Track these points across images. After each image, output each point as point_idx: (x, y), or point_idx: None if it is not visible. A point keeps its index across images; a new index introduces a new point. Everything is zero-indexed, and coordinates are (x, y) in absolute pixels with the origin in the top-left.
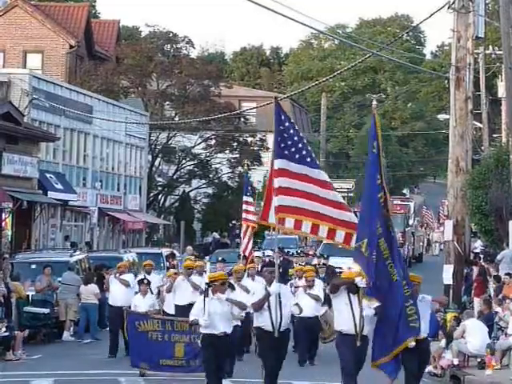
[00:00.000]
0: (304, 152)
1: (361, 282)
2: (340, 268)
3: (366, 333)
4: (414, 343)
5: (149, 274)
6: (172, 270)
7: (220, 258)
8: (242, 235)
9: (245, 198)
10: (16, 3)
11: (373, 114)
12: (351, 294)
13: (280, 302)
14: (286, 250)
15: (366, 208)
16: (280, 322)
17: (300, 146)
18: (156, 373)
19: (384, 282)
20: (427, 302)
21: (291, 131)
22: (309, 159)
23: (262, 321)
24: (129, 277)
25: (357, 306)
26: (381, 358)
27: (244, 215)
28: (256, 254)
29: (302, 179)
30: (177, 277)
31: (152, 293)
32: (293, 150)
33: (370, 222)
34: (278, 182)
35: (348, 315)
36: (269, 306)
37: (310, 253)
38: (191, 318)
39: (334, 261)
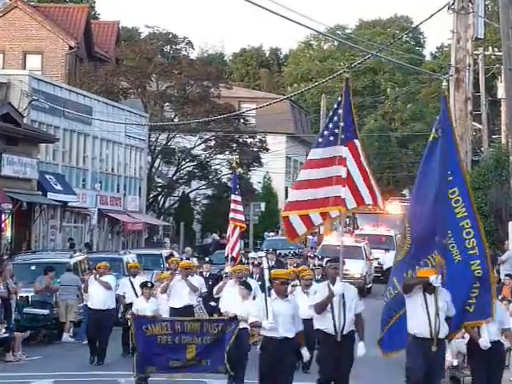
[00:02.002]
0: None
1: (436, 281)
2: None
3: (443, 336)
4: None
5: (134, 276)
6: (166, 273)
7: (207, 259)
8: (229, 235)
9: (233, 197)
10: (16, 4)
11: (443, 96)
12: (427, 295)
13: (344, 303)
14: (278, 252)
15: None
16: (343, 325)
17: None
18: (159, 374)
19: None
20: None
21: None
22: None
23: (323, 323)
24: (109, 278)
25: (433, 308)
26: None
27: (232, 214)
28: (250, 255)
29: (327, 163)
30: (173, 277)
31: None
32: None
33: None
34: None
35: (423, 317)
36: (332, 308)
37: (309, 254)
38: (251, 319)
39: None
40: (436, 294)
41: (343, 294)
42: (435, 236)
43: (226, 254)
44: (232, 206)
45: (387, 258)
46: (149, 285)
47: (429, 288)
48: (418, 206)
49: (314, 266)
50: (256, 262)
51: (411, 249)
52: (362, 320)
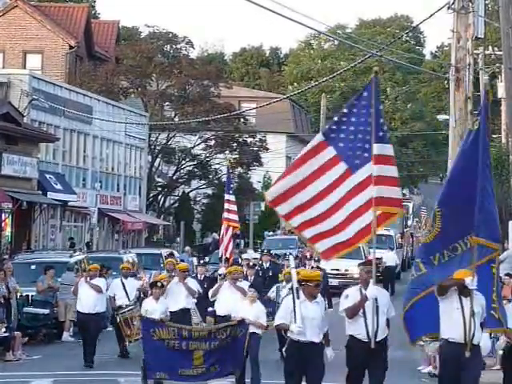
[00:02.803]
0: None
1: (472, 283)
2: (337, 269)
3: (477, 342)
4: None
5: (126, 278)
6: (163, 274)
7: (201, 262)
8: (221, 235)
9: (227, 197)
10: (16, 4)
11: (486, 90)
12: (463, 297)
13: (377, 308)
14: (273, 253)
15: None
16: (376, 331)
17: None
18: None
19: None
20: None
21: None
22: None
23: (355, 329)
24: (100, 281)
25: (468, 311)
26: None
27: (225, 214)
28: (244, 256)
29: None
30: (170, 279)
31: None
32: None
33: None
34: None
35: (458, 321)
36: (364, 313)
37: (307, 255)
38: (278, 321)
39: (326, 263)
40: (471, 298)
41: (376, 299)
42: (469, 221)
43: (220, 255)
44: (225, 205)
45: (389, 258)
46: (158, 284)
47: (464, 291)
48: (453, 192)
49: (312, 267)
50: (251, 264)
51: (440, 233)
52: (389, 325)
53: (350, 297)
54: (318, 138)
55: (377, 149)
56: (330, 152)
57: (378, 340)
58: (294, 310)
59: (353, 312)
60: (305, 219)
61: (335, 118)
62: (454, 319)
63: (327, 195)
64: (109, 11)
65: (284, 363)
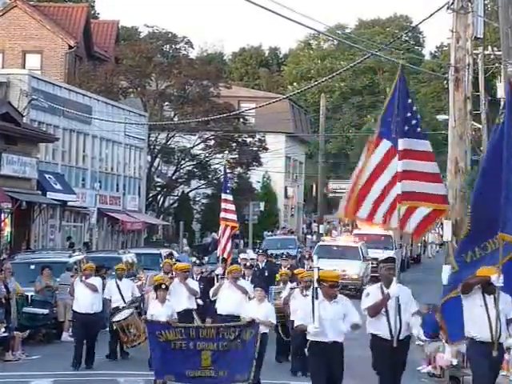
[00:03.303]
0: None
1: (498, 280)
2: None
3: (503, 340)
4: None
5: (120, 279)
6: (160, 275)
7: (198, 262)
8: (219, 235)
9: (224, 196)
10: (15, 4)
11: (510, 83)
12: (486, 295)
13: (399, 306)
14: (270, 252)
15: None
16: (399, 329)
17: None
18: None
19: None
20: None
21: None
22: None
23: (377, 328)
24: (96, 280)
25: (493, 309)
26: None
27: (222, 214)
28: (242, 256)
29: (423, 157)
30: (171, 281)
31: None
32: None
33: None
34: (402, 165)
35: (483, 320)
36: (386, 311)
37: (304, 254)
38: (297, 322)
39: (323, 263)
40: (496, 295)
41: (397, 297)
42: (498, 219)
43: (217, 255)
44: (223, 205)
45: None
46: (163, 286)
47: (488, 288)
48: (482, 190)
49: (310, 267)
50: (248, 264)
51: (471, 231)
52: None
53: (371, 295)
54: (373, 139)
55: (402, 144)
56: (385, 145)
57: (401, 338)
58: (313, 310)
59: (375, 310)
60: (383, 212)
61: (379, 117)
62: (477, 317)
63: (393, 186)
64: (108, 11)
65: (309, 364)
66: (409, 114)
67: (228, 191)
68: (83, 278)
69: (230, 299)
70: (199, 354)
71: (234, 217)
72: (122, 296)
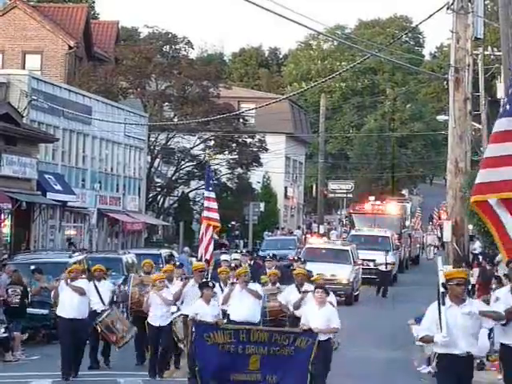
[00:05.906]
0: None
1: None
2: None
3: None
4: None
5: (99, 280)
6: (157, 274)
7: (178, 263)
8: (201, 234)
9: (206, 194)
10: (15, 4)
11: None
12: None
13: None
14: (259, 254)
15: None
16: None
17: None
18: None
19: None
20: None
21: None
22: None
23: (510, 338)
24: (83, 283)
25: None
26: None
27: (205, 213)
28: (223, 257)
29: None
30: (186, 282)
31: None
32: None
33: None
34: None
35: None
36: None
37: (292, 257)
38: (422, 333)
39: (311, 266)
40: None
41: None
42: None
43: (199, 257)
44: (205, 203)
45: (383, 260)
46: (210, 285)
47: None
48: None
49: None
50: (233, 265)
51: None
52: None
53: (501, 300)
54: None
55: (498, 125)
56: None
57: None
58: (440, 318)
59: (511, 316)
60: None
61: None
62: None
63: None
64: (108, 12)
65: (437, 380)
66: None
67: (211, 188)
68: (68, 281)
69: (242, 305)
70: (248, 358)
71: (216, 216)
72: (101, 298)
